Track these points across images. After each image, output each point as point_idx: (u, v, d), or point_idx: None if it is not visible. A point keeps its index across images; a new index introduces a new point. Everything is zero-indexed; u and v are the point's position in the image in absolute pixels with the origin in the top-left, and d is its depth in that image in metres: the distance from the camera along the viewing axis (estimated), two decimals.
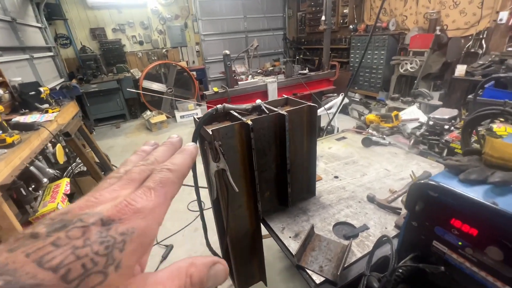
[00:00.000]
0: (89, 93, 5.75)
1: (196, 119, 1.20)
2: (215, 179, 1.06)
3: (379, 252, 1.03)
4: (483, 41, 4.30)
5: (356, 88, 6.76)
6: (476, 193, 0.63)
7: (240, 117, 1.16)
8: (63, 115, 2.70)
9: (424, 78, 4.58)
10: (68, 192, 2.23)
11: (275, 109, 1.23)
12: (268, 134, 1.21)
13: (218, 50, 8.13)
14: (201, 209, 1.38)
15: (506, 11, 3.93)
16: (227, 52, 3.35)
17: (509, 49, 3.52)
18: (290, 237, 1.19)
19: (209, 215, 2.92)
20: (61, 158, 2.24)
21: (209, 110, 1.12)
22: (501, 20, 3.99)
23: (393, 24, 5.58)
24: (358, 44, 6.36)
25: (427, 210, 0.66)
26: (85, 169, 3.01)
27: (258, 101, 1.30)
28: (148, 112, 6.05)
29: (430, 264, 0.67)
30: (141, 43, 7.05)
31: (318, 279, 0.98)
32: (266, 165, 1.27)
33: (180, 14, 7.25)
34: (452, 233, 0.61)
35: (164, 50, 7.23)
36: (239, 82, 3.69)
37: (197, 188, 1.28)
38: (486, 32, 4.26)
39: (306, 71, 4.33)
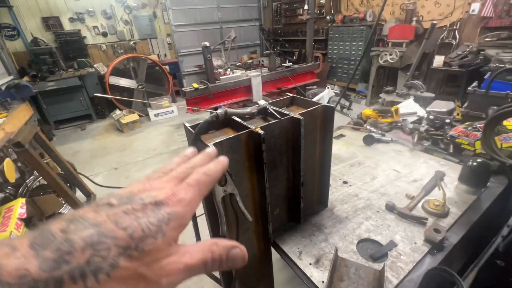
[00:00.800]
0: (46, 92, 5.05)
1: (189, 127, 0.95)
2: (222, 207, 0.82)
3: (415, 275, 0.88)
4: (456, 32, 4.43)
5: (335, 80, 6.76)
6: None
7: (245, 124, 0.93)
8: (12, 122, 2.24)
9: (403, 69, 4.64)
10: (24, 216, 1.84)
11: (285, 111, 1.01)
12: (279, 143, 1.00)
13: (192, 42, 7.65)
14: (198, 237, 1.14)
15: (477, 3, 4.05)
16: (207, 43, 3.03)
17: (487, 39, 3.63)
18: (310, 264, 1.01)
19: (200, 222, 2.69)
20: (11, 176, 1.83)
21: (207, 117, 0.88)
22: (473, 11, 4.11)
23: (370, 15, 5.58)
24: (336, 35, 6.31)
25: None
26: (45, 182, 2.57)
27: (263, 102, 1.07)
28: (118, 112, 5.49)
29: None
30: (104, 34, 6.36)
31: None
32: (276, 179, 1.06)
33: (148, 3, 6.64)
34: None
35: (131, 43, 6.60)
36: (220, 77, 3.40)
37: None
38: (459, 23, 4.37)
39: (289, 63, 4.14)
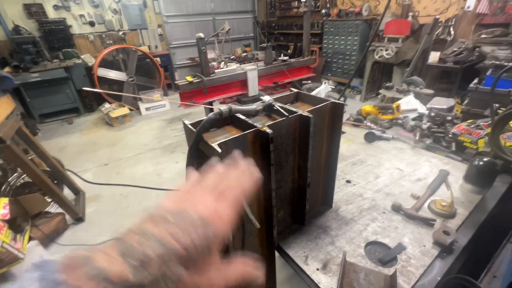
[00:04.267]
0: (30, 83, 4.79)
1: (189, 126, 0.87)
2: None
3: (427, 280, 0.85)
4: (451, 28, 4.43)
5: (329, 75, 6.71)
6: None
7: (250, 121, 0.86)
8: None
9: (399, 65, 4.63)
10: (8, 217, 1.72)
11: (292, 108, 0.95)
12: (286, 142, 0.93)
13: (184, 34, 7.41)
14: None
15: None
16: (201, 35, 2.90)
17: (483, 36, 3.64)
18: (317, 269, 0.96)
19: None
20: None
21: (211, 114, 0.80)
22: (468, 7, 4.11)
23: (366, 9, 5.52)
24: (331, 29, 6.22)
25: None
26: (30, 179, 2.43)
27: (267, 98, 1.00)
28: (107, 105, 5.29)
29: None
30: (92, 24, 6.06)
31: None
32: (281, 180, 1.00)
33: None
34: None
35: (121, 33, 6.33)
36: (215, 70, 3.28)
37: None
38: (454, 19, 4.37)
39: (284, 57, 4.05)
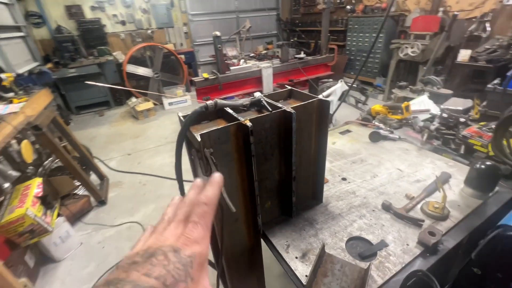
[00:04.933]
0: (68, 78, 5.28)
1: (181, 117, 0.97)
2: None
3: (402, 277, 0.86)
4: (487, 24, 4.09)
5: (352, 73, 6.53)
6: None
7: (235, 115, 0.93)
8: (32, 106, 2.38)
9: (425, 63, 4.38)
10: (40, 195, 1.97)
11: (278, 104, 1.00)
12: (270, 136, 0.99)
13: (208, 32, 7.63)
14: None
15: None
16: (217, 33, 3.02)
17: None
18: (296, 257, 1.01)
19: None
20: (28, 156, 1.96)
21: (197, 108, 0.89)
22: (508, 1, 3.77)
23: (393, 4, 5.27)
24: (356, 26, 6.05)
25: (503, 261, 0.47)
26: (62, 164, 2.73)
27: (258, 94, 1.06)
28: (134, 99, 5.66)
29: None
30: (123, 23, 6.49)
31: None
32: (267, 172, 1.06)
33: None
34: None
35: (149, 31, 6.70)
36: (231, 67, 3.38)
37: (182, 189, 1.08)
38: (491, 14, 4.04)
39: (302, 55, 4.04)
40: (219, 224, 0.97)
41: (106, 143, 4.35)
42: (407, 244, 1.02)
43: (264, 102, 1.00)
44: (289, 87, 1.20)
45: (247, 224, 1.11)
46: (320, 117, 1.06)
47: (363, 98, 4.76)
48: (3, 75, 2.24)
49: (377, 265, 0.95)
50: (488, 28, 4.06)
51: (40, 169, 2.50)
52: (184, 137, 0.89)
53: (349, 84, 5.79)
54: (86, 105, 5.89)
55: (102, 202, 2.81)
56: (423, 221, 1.09)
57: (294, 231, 1.13)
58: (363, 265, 0.96)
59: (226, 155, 0.90)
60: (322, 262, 0.97)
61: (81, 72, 5.34)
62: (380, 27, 1.73)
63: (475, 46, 4.04)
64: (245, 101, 1.00)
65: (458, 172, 1.40)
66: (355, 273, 0.92)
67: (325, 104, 1.03)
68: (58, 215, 2.16)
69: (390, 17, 5.24)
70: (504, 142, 1.16)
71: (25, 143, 1.95)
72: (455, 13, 2.77)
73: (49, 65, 5.11)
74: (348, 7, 6.20)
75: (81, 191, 2.93)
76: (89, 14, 6.13)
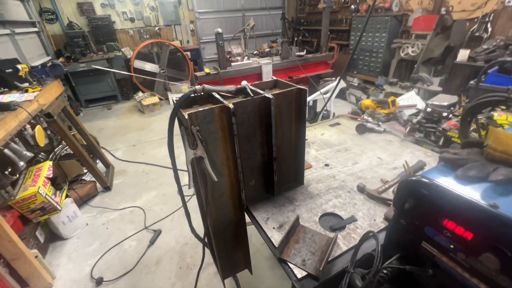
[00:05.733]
0: (78, 72, 5.51)
1: (174, 101, 1.10)
2: (192, 167, 0.97)
3: (365, 247, 0.97)
4: (488, 25, 4.11)
5: (355, 72, 6.57)
6: (474, 192, 0.55)
7: (221, 99, 1.06)
8: (45, 95, 2.55)
9: (425, 62, 4.42)
10: (51, 176, 2.15)
11: (261, 92, 1.13)
12: (252, 119, 1.11)
13: (214, 30, 7.77)
14: (182, 194, 1.32)
15: None
16: (219, 30, 3.15)
17: None
18: (274, 228, 1.13)
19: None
20: (41, 141, 2.13)
21: (186, 91, 1.02)
22: (509, 2, 3.79)
23: (396, 4, 5.31)
24: (359, 25, 6.08)
25: (417, 209, 0.59)
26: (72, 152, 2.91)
27: (244, 83, 1.19)
28: (140, 94, 5.86)
29: (418, 266, 0.61)
30: (132, 20, 6.70)
31: (300, 273, 0.93)
32: (251, 152, 1.19)
33: None
34: (444, 235, 0.54)
35: (156, 28, 6.89)
36: (232, 64, 3.51)
37: (175, 172, 1.21)
38: (492, 14, 4.05)
39: (303, 53, 4.13)
40: (204, 194, 1.11)
41: (112, 135, 4.55)
42: (374, 220, 1.13)
43: (248, 89, 1.13)
44: (275, 78, 1.33)
45: (233, 199, 1.24)
46: (299, 104, 1.18)
47: (364, 96, 4.83)
48: (19, 66, 2.42)
49: (344, 235, 1.07)
50: (490, 29, 4.08)
51: (51, 155, 2.68)
52: (175, 117, 1.02)
53: (351, 83, 5.83)
54: (95, 99, 6.12)
55: (107, 188, 2.99)
56: (391, 200, 1.20)
57: (274, 207, 1.26)
58: (332, 235, 1.07)
59: (212, 133, 1.03)
60: (296, 231, 1.09)
61: (91, 66, 5.55)
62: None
63: (476, 46, 4.06)
64: (231, 87, 1.13)
65: (434, 161, 1.50)
66: (324, 241, 1.04)
67: (303, 92, 1.15)
68: (66, 196, 2.34)
69: (393, 17, 5.27)
70: (471, 133, 1.25)
71: (38, 128, 2.13)
72: (443, 11, 2.82)
73: (61, 59, 5.34)
74: (353, 6, 6.24)
75: (88, 177, 3.12)
76: (99, 11, 6.35)
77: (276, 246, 1.02)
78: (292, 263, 0.97)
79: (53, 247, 2.29)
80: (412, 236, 0.62)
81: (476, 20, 4.22)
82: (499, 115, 1.45)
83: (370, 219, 1.14)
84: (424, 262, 0.61)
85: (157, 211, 2.64)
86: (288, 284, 1.84)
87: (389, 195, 1.28)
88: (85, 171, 3.04)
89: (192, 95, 1.05)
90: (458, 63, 3.85)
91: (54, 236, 2.36)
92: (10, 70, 2.40)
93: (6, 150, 1.69)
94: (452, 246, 0.53)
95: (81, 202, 2.70)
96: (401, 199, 0.61)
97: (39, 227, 2.19)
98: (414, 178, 0.57)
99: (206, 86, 1.05)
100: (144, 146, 4.04)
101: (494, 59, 3.46)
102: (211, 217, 1.22)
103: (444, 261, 0.56)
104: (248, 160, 1.20)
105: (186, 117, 0.92)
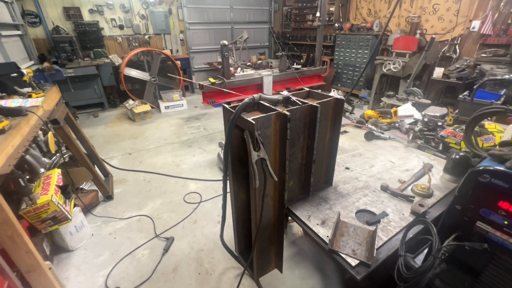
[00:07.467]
0: (65, 78, 5.27)
1: (228, 107, 1.19)
2: (258, 168, 1.07)
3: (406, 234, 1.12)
4: (457, 47, 4.69)
5: (339, 85, 7.01)
6: None
7: (273, 107, 1.17)
8: (47, 101, 2.47)
9: (405, 78, 4.89)
10: (61, 184, 2.07)
11: (305, 100, 1.26)
12: (299, 125, 1.24)
13: (203, 40, 7.91)
14: (225, 202, 1.39)
15: (478, 20, 4.31)
16: (225, 42, 3.28)
17: (483, 55, 3.89)
18: (317, 224, 1.24)
19: (208, 206, 2.87)
20: (52, 147, 2.06)
21: (246, 99, 1.12)
22: (473, 28, 4.37)
23: (377, 25, 5.84)
24: (343, 42, 6.56)
25: (474, 194, 0.74)
26: (67, 160, 2.80)
27: (285, 93, 1.32)
28: (131, 102, 5.73)
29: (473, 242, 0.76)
30: (121, 27, 6.60)
31: (353, 261, 1.04)
32: (293, 155, 1.30)
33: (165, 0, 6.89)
34: (499, 214, 0.70)
35: (146, 37, 6.84)
36: (235, 74, 3.64)
37: (225, 184, 1.28)
38: (460, 38, 4.64)
39: (298, 66, 4.39)
40: (260, 194, 1.19)
41: (104, 143, 4.39)
42: (403, 214, 1.29)
43: (293, 98, 1.26)
44: (308, 89, 1.47)
45: (274, 200, 1.34)
46: (335, 112, 1.33)
47: (349, 108, 5.17)
48: (25, 70, 2.34)
49: (381, 228, 1.21)
50: (458, 50, 4.66)
51: (53, 162, 2.56)
52: (234, 122, 1.12)
53: (340, 96, 6.17)
54: (81, 106, 5.86)
55: (109, 197, 2.89)
56: (413, 197, 1.37)
57: (312, 205, 1.37)
58: (372, 228, 1.21)
59: (267, 138, 1.14)
60: (338, 227, 1.21)
61: (79, 72, 5.36)
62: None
63: (447, 65, 4.61)
64: (279, 96, 1.25)
65: (438, 163, 1.72)
66: (366, 233, 1.17)
67: (340, 103, 1.30)
68: (74, 205, 2.25)
69: (375, 36, 5.78)
70: (473, 139, 1.48)
71: (50, 134, 2.06)
72: (433, 36, 3.23)
73: (46, 64, 5.09)
74: (337, 24, 6.74)
75: (86, 186, 3.00)
76: (87, 17, 6.19)
77: (326, 241, 1.13)
78: (344, 254, 1.08)
79: (58, 260, 2.17)
80: (467, 218, 0.77)
81: (446, 42, 4.79)
82: (489, 124, 1.72)
83: (399, 214, 1.29)
84: (478, 239, 0.76)
85: (166, 219, 2.62)
86: (308, 284, 1.94)
87: (409, 192, 1.45)
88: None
89: (250, 102, 1.15)
90: (434, 79, 4.32)
91: (57, 248, 2.25)
92: (15, 74, 2.30)
93: (27, 156, 1.63)
94: (506, 222, 0.69)
95: (85, 211, 2.59)
96: (467, 188, 0.76)
97: (45, 239, 2.08)
98: (481, 168, 0.72)
99: (262, 95, 1.16)
100: (141, 154, 3.96)
101: (464, 76, 3.95)
102: (257, 217, 1.30)
103: (498, 235, 0.71)
104: (291, 163, 1.31)
105: (253, 122, 1.02)
